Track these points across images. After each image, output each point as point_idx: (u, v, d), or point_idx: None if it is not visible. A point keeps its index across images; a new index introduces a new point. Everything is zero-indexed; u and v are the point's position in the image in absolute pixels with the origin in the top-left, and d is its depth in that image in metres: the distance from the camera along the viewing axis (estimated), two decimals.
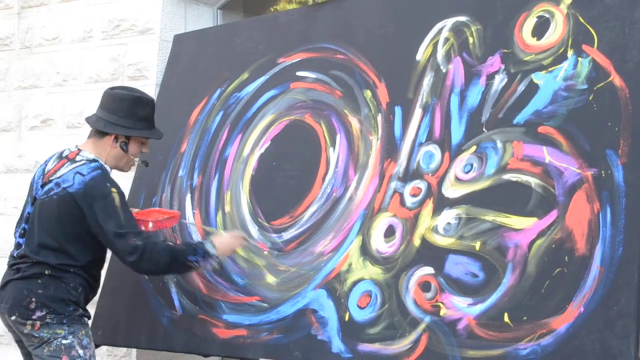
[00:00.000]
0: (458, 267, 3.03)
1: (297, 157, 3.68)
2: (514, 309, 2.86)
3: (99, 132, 3.46)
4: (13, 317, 3.32)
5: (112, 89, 3.57)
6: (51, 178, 3.41)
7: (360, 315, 3.20)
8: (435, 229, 3.14)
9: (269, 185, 3.72)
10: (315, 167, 3.59)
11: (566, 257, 2.82)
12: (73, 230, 3.35)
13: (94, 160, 3.42)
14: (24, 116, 5.11)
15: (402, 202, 3.27)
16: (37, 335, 3.28)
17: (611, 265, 2.71)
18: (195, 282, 3.74)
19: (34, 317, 3.28)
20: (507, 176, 3.03)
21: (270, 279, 3.51)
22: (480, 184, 3.09)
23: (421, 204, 3.22)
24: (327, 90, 3.70)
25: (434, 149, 3.26)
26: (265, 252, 3.53)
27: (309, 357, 3.22)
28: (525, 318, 2.83)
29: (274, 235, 3.60)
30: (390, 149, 3.38)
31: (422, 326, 3.02)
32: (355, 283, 3.27)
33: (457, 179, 3.15)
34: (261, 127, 3.87)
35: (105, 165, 3.46)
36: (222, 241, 3.47)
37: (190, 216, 3.93)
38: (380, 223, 3.30)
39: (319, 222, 3.48)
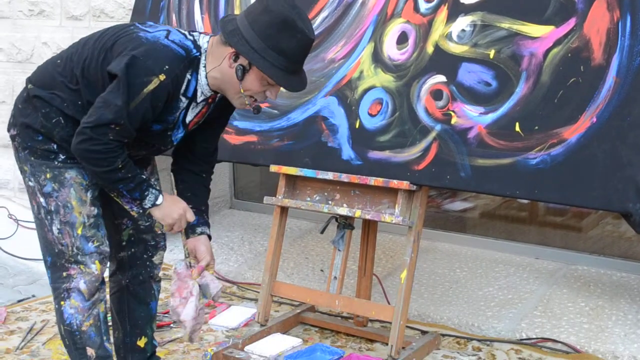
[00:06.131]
0: (471, 75, 2.99)
1: None
2: (526, 119, 2.85)
3: (223, 36, 2.46)
4: None
5: None
6: None
7: (370, 123, 3.20)
8: (449, 36, 3.07)
9: None
10: None
11: (582, 67, 2.77)
12: None
13: (194, 43, 2.49)
14: None
15: (416, 8, 3.17)
16: None
17: (627, 75, 2.68)
18: None
19: None
20: None
21: None
22: None
23: (435, 9, 3.13)
24: None
25: None
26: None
27: (319, 163, 3.25)
28: (536, 127, 2.83)
29: None
30: None
31: (433, 134, 3.03)
32: (366, 90, 3.24)
33: None
34: None
35: (203, 68, 2.49)
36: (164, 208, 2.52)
37: (199, 20, 3.84)
38: (393, 29, 3.22)
39: (330, 28, 3.40)
